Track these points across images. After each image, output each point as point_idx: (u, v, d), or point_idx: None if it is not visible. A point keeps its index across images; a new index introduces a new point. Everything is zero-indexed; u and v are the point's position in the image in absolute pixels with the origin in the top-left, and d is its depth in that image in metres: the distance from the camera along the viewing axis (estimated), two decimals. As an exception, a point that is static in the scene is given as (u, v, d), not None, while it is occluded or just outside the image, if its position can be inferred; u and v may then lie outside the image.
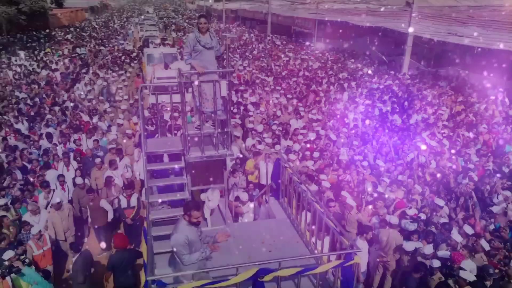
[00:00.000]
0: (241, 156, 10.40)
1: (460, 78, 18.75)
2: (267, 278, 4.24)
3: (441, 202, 7.57)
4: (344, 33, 29.19)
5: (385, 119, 12.41)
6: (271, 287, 4.80)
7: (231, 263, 4.45)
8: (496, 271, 5.96)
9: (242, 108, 13.57)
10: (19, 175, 9.50)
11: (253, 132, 11.11)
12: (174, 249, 4.29)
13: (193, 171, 6.01)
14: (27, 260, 6.26)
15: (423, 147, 10.10)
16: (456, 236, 6.60)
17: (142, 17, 52.08)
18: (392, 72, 19.91)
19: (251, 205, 7.62)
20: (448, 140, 10.81)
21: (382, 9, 28.64)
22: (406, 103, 14.47)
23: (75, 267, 6.68)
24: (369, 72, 20.77)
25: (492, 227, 7.11)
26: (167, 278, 4.30)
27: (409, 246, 6.57)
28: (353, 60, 23.95)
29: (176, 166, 6.18)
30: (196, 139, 5.98)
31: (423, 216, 7.48)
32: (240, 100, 14.98)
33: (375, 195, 8.07)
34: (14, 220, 7.95)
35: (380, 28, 22.72)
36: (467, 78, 18.50)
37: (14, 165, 9.75)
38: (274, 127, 11.84)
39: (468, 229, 6.82)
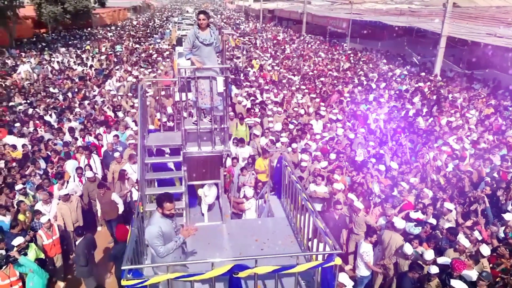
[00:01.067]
0: (253, 154, 10.44)
1: (497, 81, 17.81)
2: (242, 274, 4.21)
3: (450, 206, 7.28)
4: (378, 34, 28.53)
5: (407, 121, 12.02)
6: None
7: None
8: (498, 279, 5.64)
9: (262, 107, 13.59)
10: (42, 165, 9.99)
11: (265, 131, 11.07)
12: (149, 241, 4.35)
13: (190, 166, 6.08)
14: (23, 252, 6.53)
15: (447, 149, 9.75)
16: (463, 240, 6.33)
17: (181, 16, 53.12)
18: (423, 74, 19.22)
19: (253, 202, 7.60)
20: (473, 144, 10.35)
21: (423, 9, 27.78)
22: (435, 106, 14.00)
23: (78, 251, 6.97)
24: (404, 72, 20.26)
25: (502, 234, 6.73)
26: (144, 269, 4.37)
27: (408, 248, 6.35)
28: (385, 61, 23.36)
29: (172, 160, 6.26)
30: (197, 134, 6.03)
31: (434, 222, 7.22)
32: (264, 99, 15.01)
33: (383, 196, 7.86)
34: (32, 206, 8.36)
35: (414, 29, 22.01)
36: (505, 81, 17.55)
37: (38, 155, 10.25)
38: (291, 126, 11.77)
39: (477, 235, 6.52)
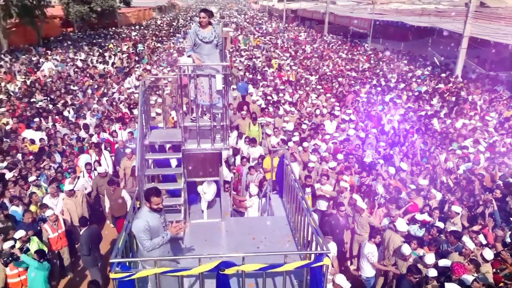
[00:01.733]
0: (264, 154, 10.42)
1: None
2: (228, 271, 4.21)
3: (458, 209, 7.11)
4: (401, 34, 28.01)
5: (421, 123, 11.76)
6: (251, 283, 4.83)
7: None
8: (501, 284, 5.46)
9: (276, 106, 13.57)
10: (58, 158, 10.26)
11: (275, 130, 11.04)
12: (135, 235, 4.40)
13: (190, 163, 6.12)
14: (24, 248, 6.73)
15: (461, 151, 9.50)
16: (470, 244, 6.16)
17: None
18: (444, 75, 18.75)
19: (256, 200, 7.59)
20: (489, 148, 10.03)
21: (451, 9, 27.01)
22: (456, 108, 13.64)
23: (81, 240, 7.14)
24: (426, 73, 19.85)
25: (509, 239, 6.51)
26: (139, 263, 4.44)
27: (406, 249, 6.23)
28: (405, 62, 22.91)
29: (172, 157, 6.32)
30: (197, 131, 6.07)
31: (442, 225, 7.05)
32: (280, 99, 14.98)
33: (388, 197, 7.74)
34: (43, 198, 8.59)
35: (436, 29, 21.50)
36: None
37: (54, 149, 10.54)
38: (304, 126, 11.71)
39: (482, 239, 6.34)
